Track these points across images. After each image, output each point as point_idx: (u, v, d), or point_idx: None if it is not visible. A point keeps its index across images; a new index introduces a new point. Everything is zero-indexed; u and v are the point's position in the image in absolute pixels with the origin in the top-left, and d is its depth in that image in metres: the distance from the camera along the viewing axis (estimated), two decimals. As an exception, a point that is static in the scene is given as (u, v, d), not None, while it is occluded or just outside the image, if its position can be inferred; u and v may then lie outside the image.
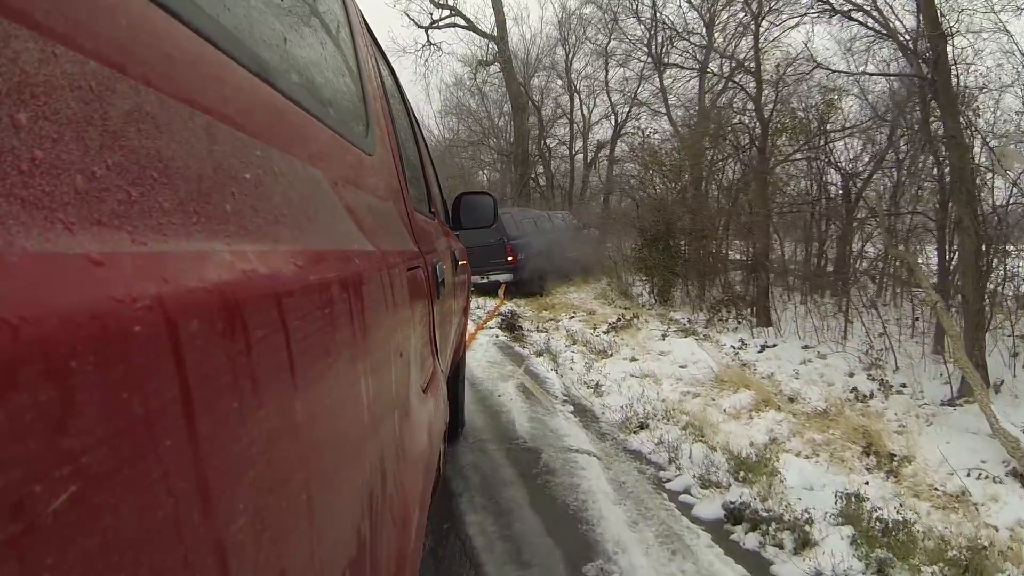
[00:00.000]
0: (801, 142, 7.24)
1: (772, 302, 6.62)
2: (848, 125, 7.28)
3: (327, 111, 0.64)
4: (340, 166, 0.63)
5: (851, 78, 7.03)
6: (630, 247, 9.98)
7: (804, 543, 2.25)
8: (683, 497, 2.63)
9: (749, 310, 6.81)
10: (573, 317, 7.52)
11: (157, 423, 0.23)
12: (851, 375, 4.62)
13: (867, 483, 2.78)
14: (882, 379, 4.40)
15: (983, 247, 4.46)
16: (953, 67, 4.87)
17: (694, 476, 2.77)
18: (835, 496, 2.54)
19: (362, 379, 0.52)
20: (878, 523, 2.35)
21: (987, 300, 4.42)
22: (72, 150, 0.22)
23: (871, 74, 6.70)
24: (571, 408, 3.79)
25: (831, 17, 6.15)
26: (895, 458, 3.07)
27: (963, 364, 3.66)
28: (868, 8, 5.65)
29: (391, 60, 1.69)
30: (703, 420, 3.54)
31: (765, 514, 2.38)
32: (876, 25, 5.75)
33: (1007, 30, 5.20)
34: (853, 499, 2.52)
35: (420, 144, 2.01)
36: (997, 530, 2.39)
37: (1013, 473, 2.86)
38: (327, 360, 0.43)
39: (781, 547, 2.24)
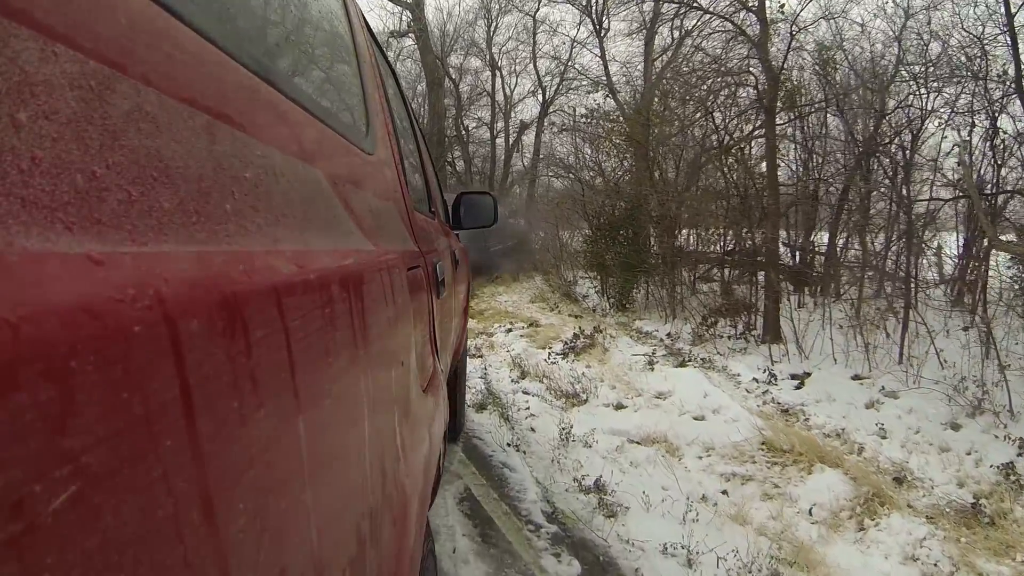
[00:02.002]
0: (801, 108, 5.63)
1: (789, 312, 5.09)
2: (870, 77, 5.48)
3: (327, 111, 0.64)
4: (340, 166, 0.63)
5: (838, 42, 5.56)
6: (573, 238, 8.34)
7: None
8: None
9: (751, 320, 5.31)
10: (511, 330, 5.88)
11: (157, 423, 0.23)
12: (955, 427, 3.19)
13: None
14: (1021, 440, 2.92)
15: None
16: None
17: None
18: None
19: (362, 379, 0.52)
20: None
21: None
22: (72, 149, 0.22)
23: None
24: (575, 567, 1.95)
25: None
26: None
27: None
28: None
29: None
30: (802, 549, 2.13)
31: None
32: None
33: None
34: None
35: (420, 144, 2.01)
36: None
37: None
38: (327, 360, 0.43)
39: None
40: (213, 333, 0.27)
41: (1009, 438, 2.98)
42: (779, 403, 3.69)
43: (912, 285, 4.71)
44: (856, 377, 4.05)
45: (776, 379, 4.10)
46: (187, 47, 0.33)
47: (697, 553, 2.04)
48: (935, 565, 2.08)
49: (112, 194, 0.24)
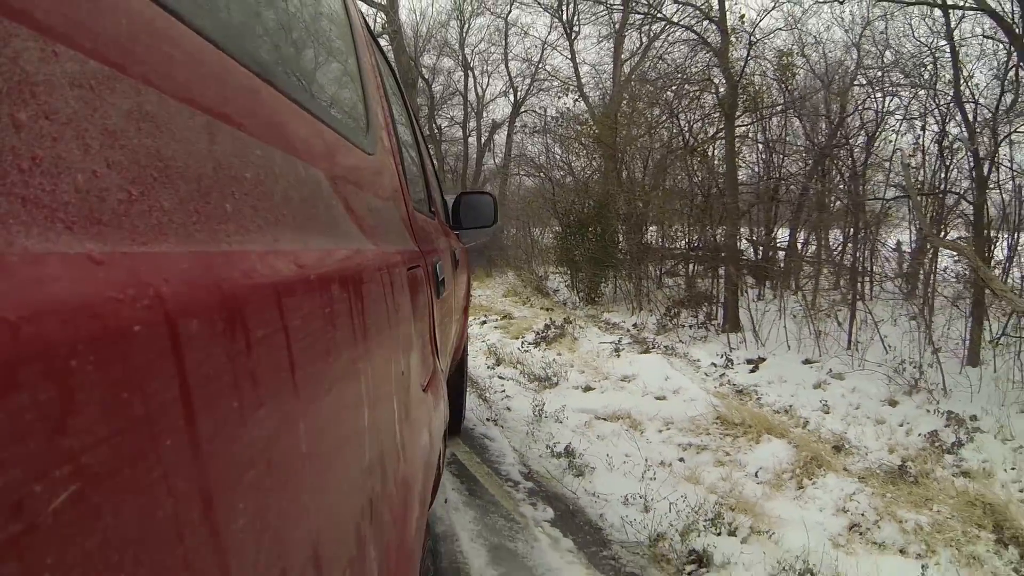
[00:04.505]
0: (762, 110, 6.07)
1: (745, 301, 5.60)
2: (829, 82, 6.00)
3: (328, 110, 0.64)
4: (340, 166, 0.63)
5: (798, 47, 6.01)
6: (544, 235, 8.68)
7: None
8: None
9: (712, 311, 5.73)
10: (485, 322, 6.22)
11: (157, 423, 0.23)
12: (892, 403, 3.57)
13: None
14: (942, 409, 3.34)
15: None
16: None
17: None
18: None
19: (362, 378, 0.52)
20: None
21: None
22: (72, 149, 0.22)
23: (922, 2, 4.96)
24: (549, 513, 2.30)
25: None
26: None
27: None
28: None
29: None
30: (752, 510, 2.37)
31: None
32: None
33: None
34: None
35: (420, 144, 2.01)
36: None
37: None
38: (327, 360, 0.43)
39: None
40: (213, 333, 0.27)
41: (939, 412, 3.36)
42: (734, 384, 4.06)
43: (860, 278, 5.22)
44: (807, 361, 4.44)
45: (733, 364, 4.47)
46: (187, 47, 0.33)
47: (653, 501, 2.37)
48: (862, 515, 2.37)
49: (112, 194, 0.24)
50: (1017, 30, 4.02)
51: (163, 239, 0.26)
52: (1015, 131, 4.61)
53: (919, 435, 3.12)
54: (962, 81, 4.88)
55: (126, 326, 0.22)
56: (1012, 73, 4.81)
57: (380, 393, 0.58)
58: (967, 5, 4.56)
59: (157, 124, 0.28)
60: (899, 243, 6.06)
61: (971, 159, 4.83)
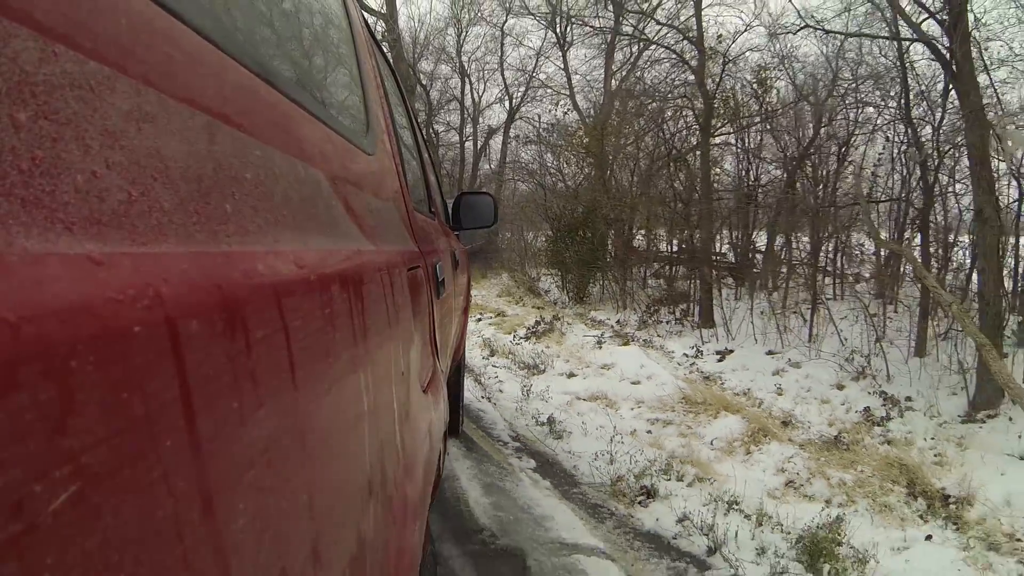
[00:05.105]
0: (741, 120, 6.76)
1: (720, 300, 6.21)
2: (796, 99, 6.81)
3: (328, 111, 0.64)
4: (340, 166, 0.63)
5: (778, 62, 6.78)
6: (537, 238, 9.18)
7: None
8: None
9: (689, 308, 6.34)
10: (481, 319, 6.69)
11: (157, 423, 0.23)
12: (840, 387, 4.12)
13: (929, 537, 2.32)
14: (883, 392, 3.89)
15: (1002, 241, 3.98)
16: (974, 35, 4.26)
17: (764, 577, 2.01)
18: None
19: (362, 379, 0.52)
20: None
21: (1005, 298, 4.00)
22: (72, 150, 0.22)
23: (875, 36, 5.98)
24: (532, 463, 2.82)
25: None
26: (950, 500, 2.59)
27: (1005, 377, 3.08)
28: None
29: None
30: (701, 465, 2.84)
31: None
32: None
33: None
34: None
35: (420, 144, 2.01)
36: None
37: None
38: (327, 360, 0.43)
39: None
40: (213, 333, 0.27)
41: (878, 394, 3.92)
42: (702, 372, 4.59)
43: (822, 278, 5.94)
44: (770, 352, 4.98)
45: (703, 354, 5.03)
46: (187, 47, 0.33)
47: (618, 456, 2.86)
48: (797, 474, 2.86)
49: (112, 194, 0.24)
50: (948, 56, 4.42)
51: (163, 239, 0.26)
52: (953, 145, 5.22)
53: (856, 412, 3.70)
54: (912, 99, 5.66)
55: (126, 326, 0.22)
56: (950, 94, 5.39)
57: (380, 393, 0.58)
58: (912, 37, 5.20)
59: (157, 124, 0.28)
60: (863, 245, 6.66)
61: (918, 170, 5.51)
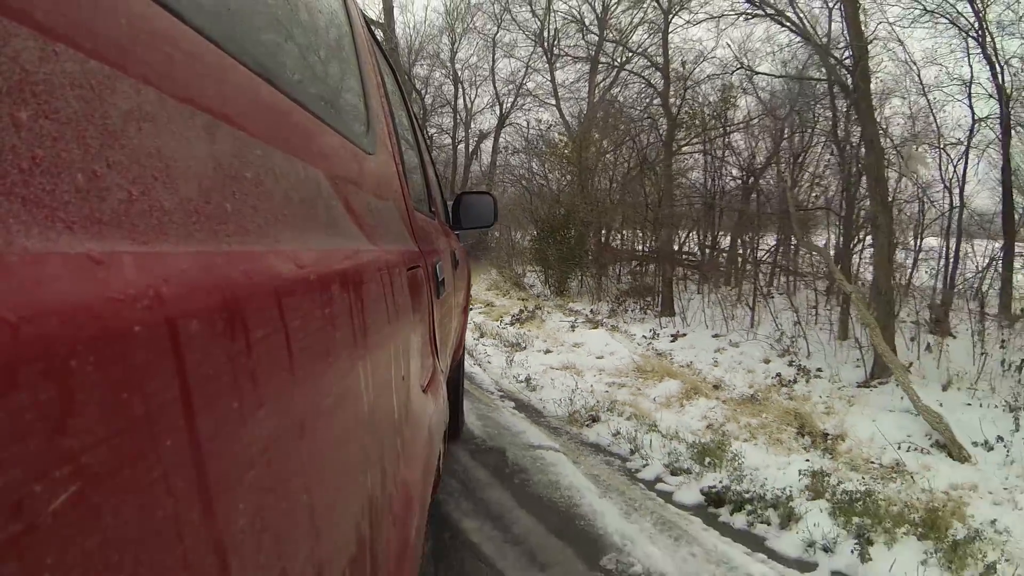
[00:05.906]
0: (706, 134, 7.85)
1: (677, 292, 7.29)
2: (747, 119, 8.05)
3: (328, 110, 0.64)
4: (340, 165, 0.63)
5: (745, 78, 7.83)
6: (523, 238, 10.08)
7: (788, 518, 2.44)
8: (659, 486, 2.78)
9: (652, 299, 7.33)
10: (472, 309, 7.77)
11: (157, 423, 0.23)
12: (767, 361, 5.07)
13: (807, 461, 3.04)
14: (799, 364, 4.88)
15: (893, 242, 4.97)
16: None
17: (663, 465, 2.94)
18: (800, 473, 2.80)
19: (362, 379, 0.52)
20: (844, 495, 2.59)
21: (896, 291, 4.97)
22: (72, 149, 0.22)
23: (793, 77, 7.36)
24: (512, 404, 3.91)
25: (747, 19, 6.86)
26: (829, 437, 3.42)
27: (884, 351, 4.04)
28: (792, 15, 6.28)
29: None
30: (639, 409, 3.74)
31: (746, 495, 2.59)
32: (796, 29, 6.37)
33: (900, 40, 6.36)
34: (819, 475, 2.75)
35: (420, 144, 2.01)
36: (933, 494, 2.71)
37: (937, 445, 3.30)
38: (327, 360, 0.43)
39: (768, 523, 2.44)
40: (213, 333, 0.27)
41: (795, 366, 4.88)
42: (656, 350, 5.58)
43: (757, 272, 7.23)
44: (716, 335, 5.97)
45: (659, 336, 6.06)
46: (187, 47, 0.33)
47: (575, 402, 3.82)
48: (715, 419, 3.66)
49: (112, 194, 0.24)
50: (850, 86, 5.30)
51: (163, 239, 0.26)
52: (860, 163, 6.10)
53: (771, 378, 4.62)
54: (839, 122, 6.83)
55: (126, 326, 0.22)
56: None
57: (380, 393, 0.58)
58: (818, 77, 6.63)
59: (157, 123, 0.28)
60: (828, 246, 7.69)
61: (841, 182, 6.64)
